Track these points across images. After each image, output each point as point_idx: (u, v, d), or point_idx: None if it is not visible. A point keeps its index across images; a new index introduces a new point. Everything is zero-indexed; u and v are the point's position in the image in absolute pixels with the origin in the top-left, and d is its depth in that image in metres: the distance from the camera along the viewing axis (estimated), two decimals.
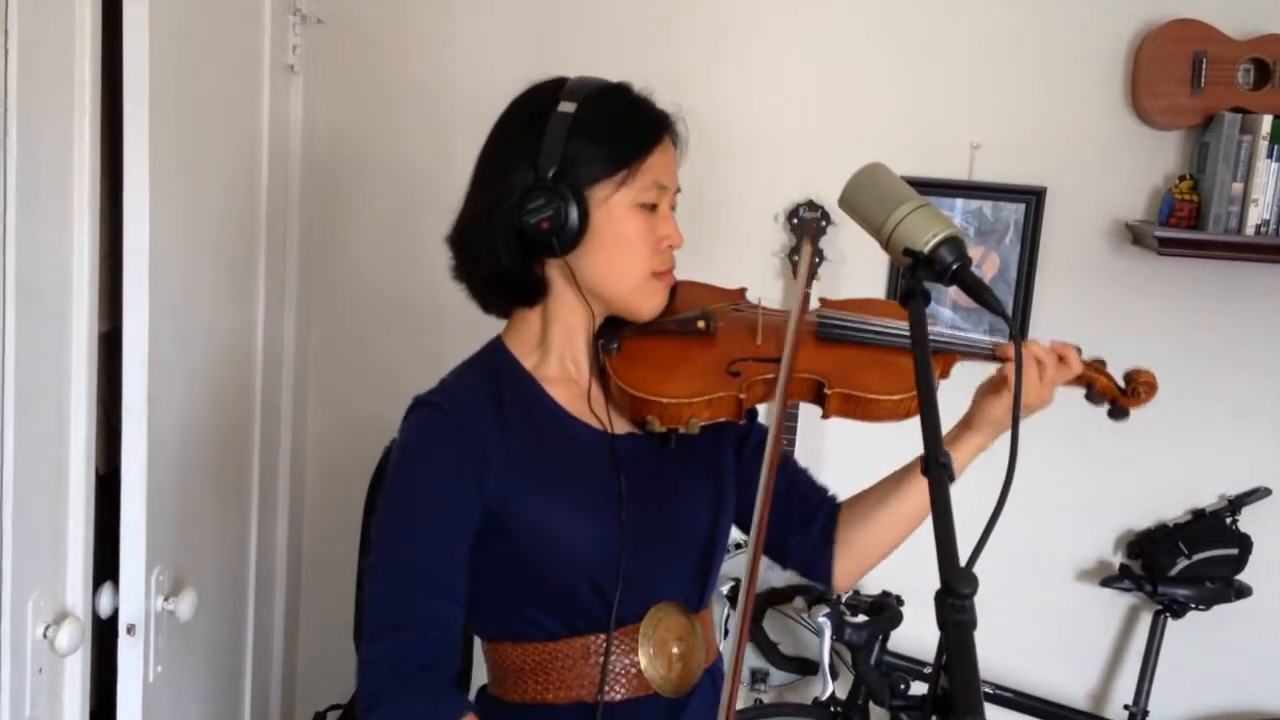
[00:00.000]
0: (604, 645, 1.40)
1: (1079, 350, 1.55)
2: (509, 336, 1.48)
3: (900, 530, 1.56)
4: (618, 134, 1.39)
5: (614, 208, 1.38)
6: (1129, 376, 1.56)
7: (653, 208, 1.41)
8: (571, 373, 1.46)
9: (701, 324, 1.49)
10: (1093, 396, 1.55)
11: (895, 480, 1.55)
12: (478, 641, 1.53)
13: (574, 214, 1.36)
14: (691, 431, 1.42)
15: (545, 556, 1.38)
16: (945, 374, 1.49)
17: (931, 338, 1.46)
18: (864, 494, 1.59)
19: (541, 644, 1.41)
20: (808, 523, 1.58)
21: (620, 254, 1.40)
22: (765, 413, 1.51)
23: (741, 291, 1.61)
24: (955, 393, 1.44)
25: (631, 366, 1.43)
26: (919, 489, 1.50)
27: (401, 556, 1.37)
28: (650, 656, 1.42)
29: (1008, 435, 1.16)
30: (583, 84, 1.41)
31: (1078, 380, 1.52)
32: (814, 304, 1.58)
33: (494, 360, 1.46)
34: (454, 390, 1.43)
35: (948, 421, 1.46)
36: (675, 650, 1.44)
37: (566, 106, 1.37)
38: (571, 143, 1.36)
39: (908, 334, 1.44)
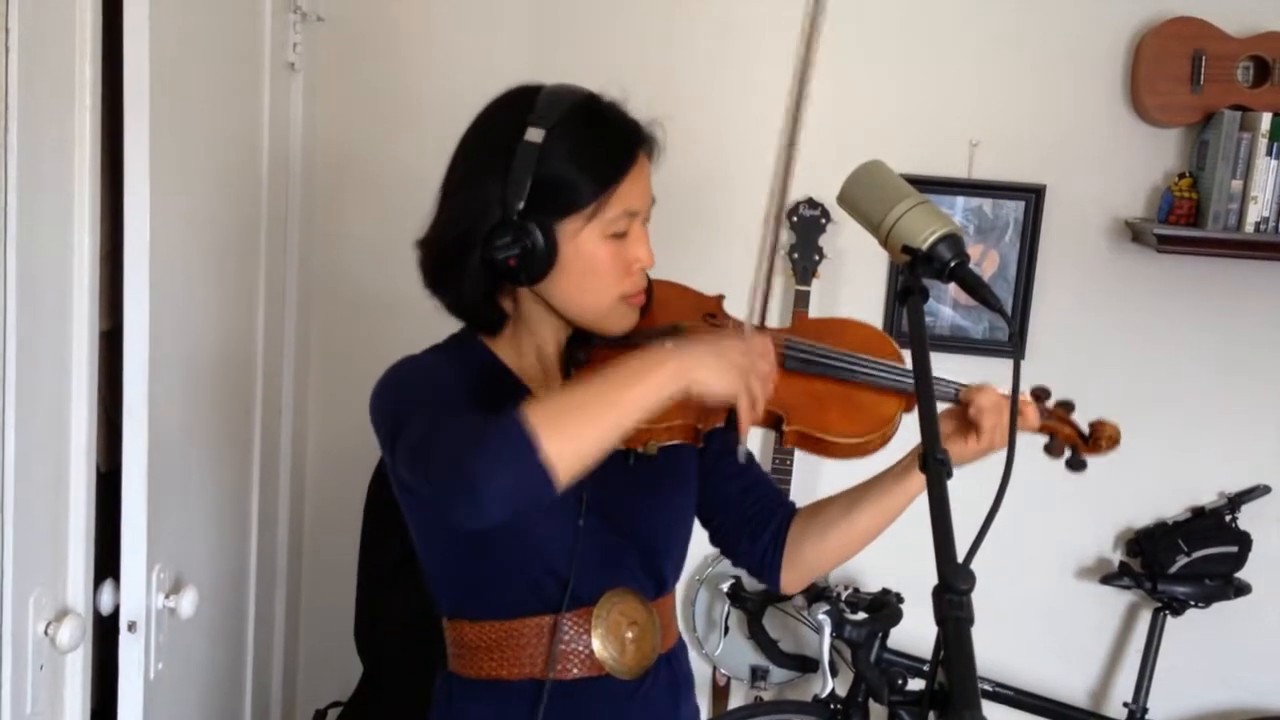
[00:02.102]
0: (554, 624, 1.44)
1: (1048, 392, 1.55)
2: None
3: (850, 545, 1.56)
4: (586, 167, 1.35)
5: (583, 242, 1.37)
6: (1094, 427, 1.54)
7: (623, 234, 1.39)
8: (543, 373, 1.48)
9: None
10: (1052, 448, 1.54)
11: (852, 498, 1.54)
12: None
13: (541, 248, 1.35)
14: (649, 453, 1.41)
15: (505, 542, 1.41)
16: (911, 408, 1.45)
17: (897, 376, 1.47)
18: (820, 507, 1.58)
19: (497, 622, 1.46)
20: (759, 530, 1.59)
21: (589, 283, 1.39)
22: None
23: (720, 299, 1.59)
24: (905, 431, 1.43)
25: None
26: (878, 505, 1.50)
27: (427, 407, 1.33)
28: (603, 638, 1.46)
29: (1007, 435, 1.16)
30: (552, 104, 1.37)
31: (1040, 430, 1.52)
32: (788, 321, 1.57)
33: (464, 349, 1.48)
34: (435, 354, 1.46)
35: (903, 436, 1.47)
36: (629, 634, 1.48)
37: (534, 135, 1.34)
38: (538, 177, 1.34)
39: (878, 370, 1.48)
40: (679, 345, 1.29)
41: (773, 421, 1.43)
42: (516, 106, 1.38)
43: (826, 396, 1.45)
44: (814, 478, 2.66)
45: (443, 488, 1.22)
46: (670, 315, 1.52)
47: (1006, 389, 1.40)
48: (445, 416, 1.28)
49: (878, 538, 1.54)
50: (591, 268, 1.38)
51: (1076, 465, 1.53)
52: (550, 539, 1.43)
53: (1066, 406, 1.56)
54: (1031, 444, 1.50)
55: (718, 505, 1.61)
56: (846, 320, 1.61)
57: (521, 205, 1.34)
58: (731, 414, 1.33)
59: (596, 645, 1.46)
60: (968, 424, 1.45)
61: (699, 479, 1.59)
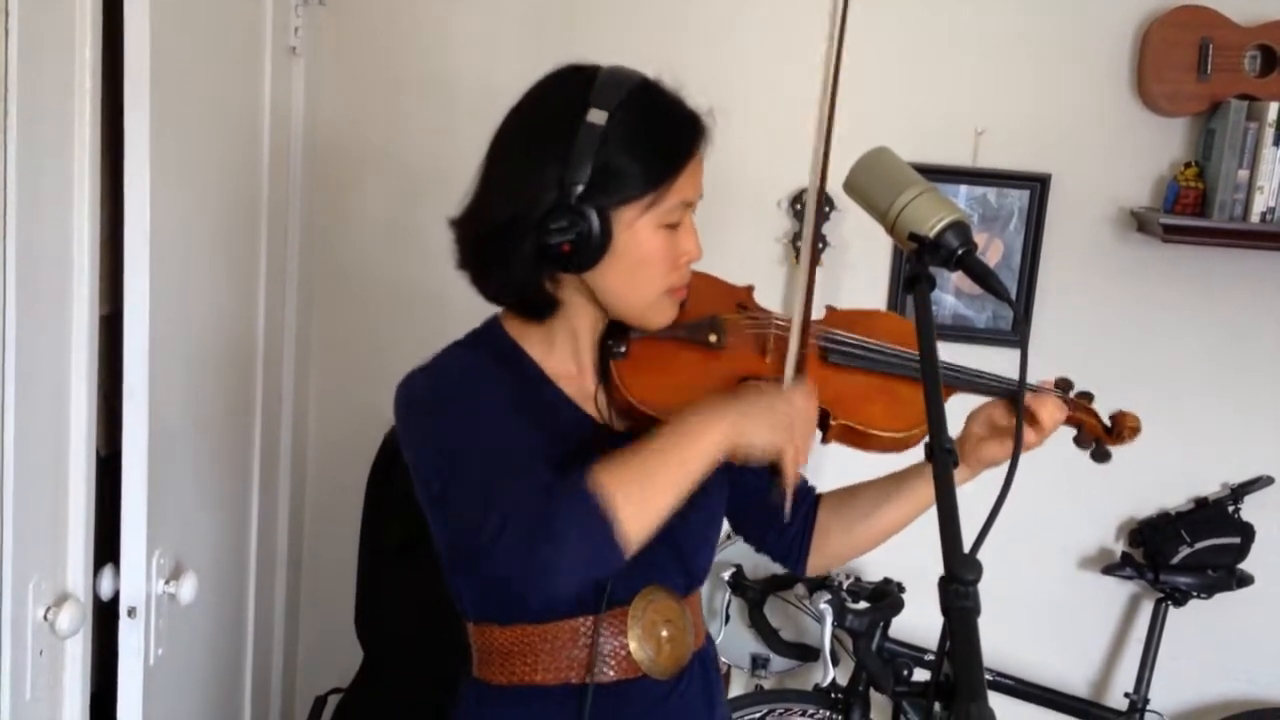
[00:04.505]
0: (592, 627, 1.40)
1: (1071, 384, 1.57)
2: (511, 323, 1.44)
3: (878, 538, 1.58)
4: (649, 155, 1.32)
5: (639, 230, 1.33)
6: (1115, 419, 1.56)
7: (675, 225, 1.36)
8: (577, 368, 1.44)
9: (713, 338, 1.44)
10: (1081, 439, 1.57)
11: (884, 490, 1.55)
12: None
13: (597, 235, 1.31)
14: None
15: None
16: (948, 397, 1.44)
17: (952, 370, 1.48)
18: (849, 497, 1.59)
19: (530, 626, 1.41)
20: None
21: (640, 274, 1.35)
22: None
23: (750, 289, 1.57)
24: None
25: (638, 374, 1.40)
26: (909, 499, 1.52)
27: (481, 464, 1.28)
28: (640, 639, 1.42)
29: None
30: (614, 85, 1.32)
31: (1068, 421, 1.53)
32: (819, 311, 1.54)
33: (495, 344, 1.43)
34: (466, 360, 1.39)
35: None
36: (664, 633, 1.44)
37: (596, 116, 1.29)
38: (600, 161, 1.29)
39: (914, 361, 1.46)
40: (733, 402, 1.31)
41: (818, 418, 1.42)
42: (576, 85, 1.33)
43: (869, 390, 1.45)
44: (818, 456, 2.65)
45: (514, 566, 1.22)
46: (702, 305, 1.49)
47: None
48: (507, 483, 1.25)
49: (905, 528, 1.55)
50: (644, 259, 1.34)
51: (1102, 457, 1.54)
52: None
53: (1087, 398, 1.57)
54: (1058, 437, 1.52)
55: (743, 498, 1.59)
56: (875, 311, 1.61)
57: (580, 190, 1.29)
58: (774, 467, 1.35)
59: (634, 646, 1.42)
60: (1008, 426, 1.47)
61: (730, 483, 1.56)
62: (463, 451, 1.29)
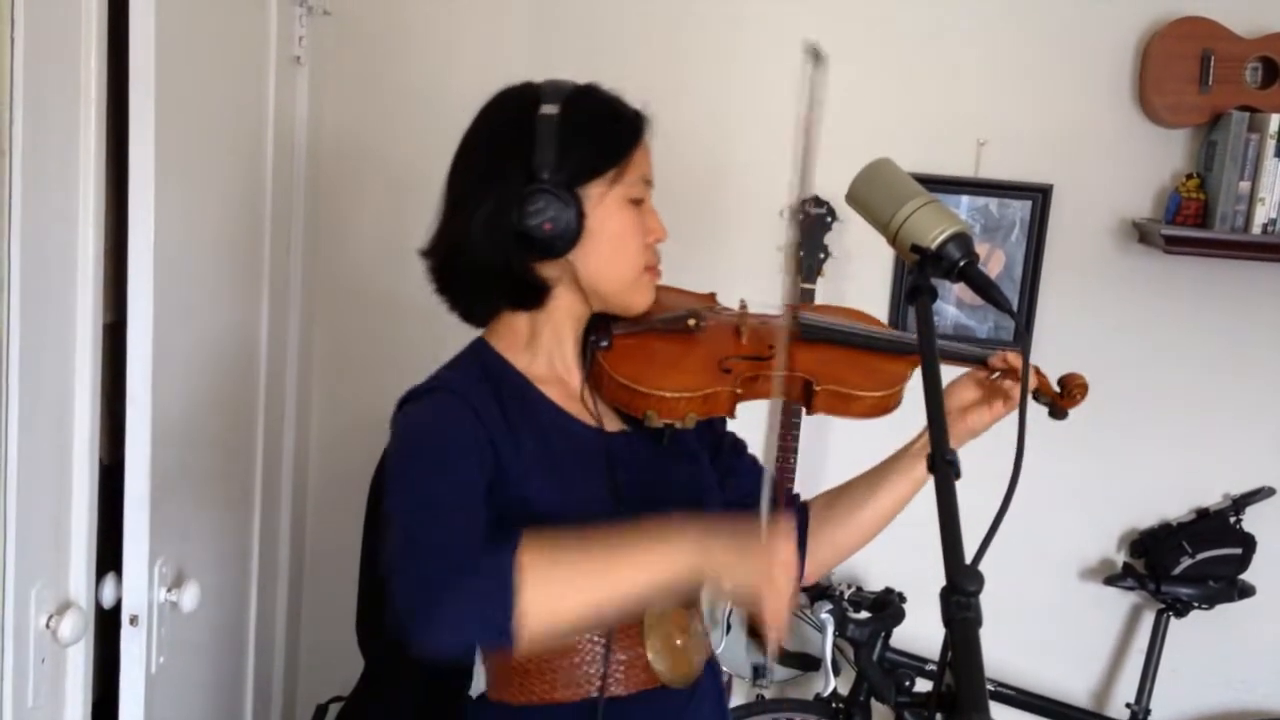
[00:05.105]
0: (605, 640, 1.40)
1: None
2: (495, 338, 1.48)
3: (862, 539, 1.58)
4: (603, 134, 1.40)
5: (608, 205, 1.40)
6: (1062, 381, 1.61)
7: (639, 203, 1.43)
8: (561, 372, 1.47)
9: (692, 322, 1.53)
10: (1037, 397, 1.62)
11: (863, 489, 1.56)
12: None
13: (572, 214, 1.37)
14: (687, 426, 1.45)
15: None
16: (916, 366, 1.54)
17: (898, 339, 1.57)
18: (830, 504, 1.59)
19: None
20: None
21: (617, 250, 1.42)
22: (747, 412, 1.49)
23: (712, 296, 1.66)
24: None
25: (627, 362, 1.46)
26: (888, 494, 1.54)
27: (425, 507, 1.29)
28: (656, 650, 1.43)
29: (1009, 434, 1.16)
30: (556, 87, 1.41)
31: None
32: (782, 311, 1.63)
33: (481, 361, 1.46)
34: (457, 382, 1.41)
35: (901, 421, 1.53)
36: (679, 642, 1.45)
37: (549, 109, 1.37)
38: (562, 143, 1.37)
39: (883, 335, 1.57)
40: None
41: (804, 389, 1.50)
42: (522, 92, 1.42)
43: (845, 360, 1.55)
44: (820, 457, 2.65)
45: (403, 601, 1.19)
46: (673, 308, 1.56)
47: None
48: (442, 524, 1.25)
49: (888, 526, 1.57)
50: (619, 233, 1.41)
51: (1058, 415, 1.60)
52: None
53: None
54: (1043, 423, 1.53)
55: (736, 505, 1.58)
56: (836, 306, 1.73)
57: (548, 173, 1.36)
58: (755, 629, 1.36)
59: (651, 656, 1.42)
60: (991, 389, 1.52)
61: (721, 483, 1.58)
62: (422, 492, 1.30)
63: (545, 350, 1.47)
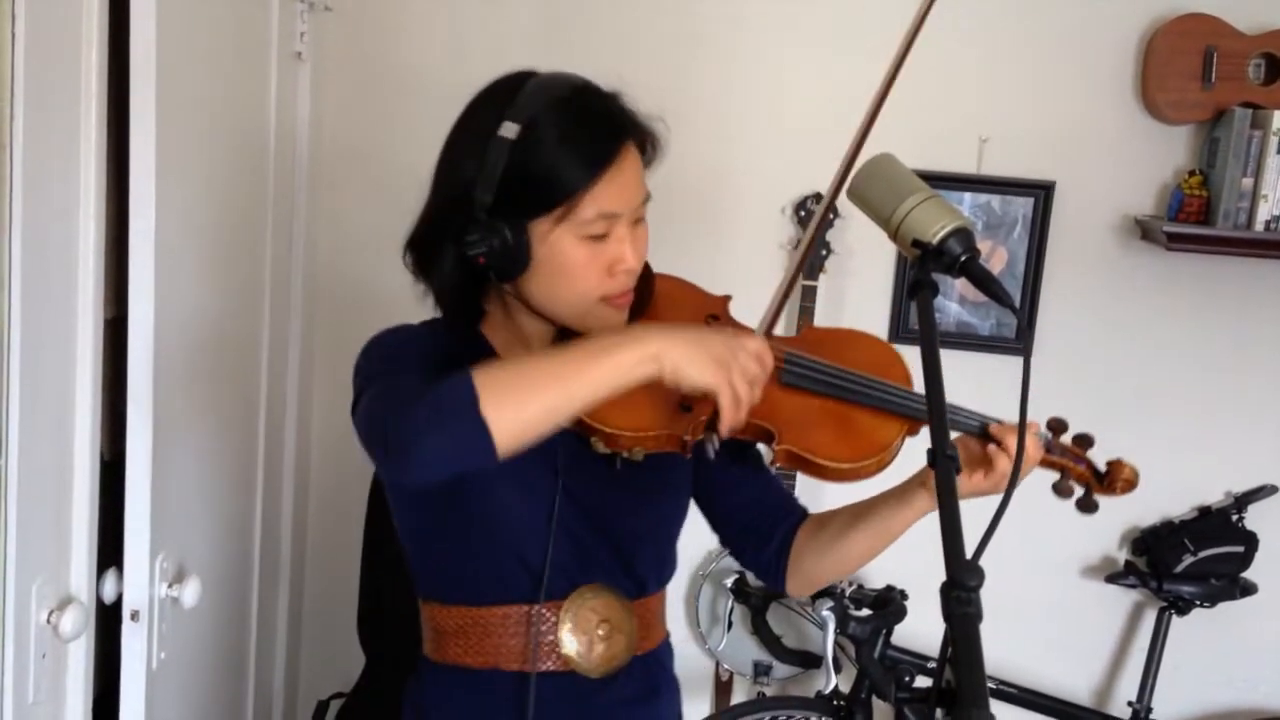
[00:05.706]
0: (526, 616, 1.42)
1: (1065, 425, 1.49)
2: (485, 326, 1.48)
3: (850, 564, 1.55)
4: (557, 168, 1.30)
5: (556, 243, 1.32)
6: (1111, 465, 1.47)
7: (601, 237, 1.33)
8: None
9: (646, 328, 1.37)
10: (1060, 487, 1.48)
11: (851, 518, 1.51)
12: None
13: (511, 247, 1.31)
14: (635, 459, 1.36)
15: (475, 525, 1.40)
16: (915, 432, 1.42)
17: (901, 398, 1.42)
18: (823, 523, 1.56)
19: (467, 608, 1.44)
20: (764, 541, 1.58)
21: (561, 285, 1.34)
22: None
23: (726, 299, 1.54)
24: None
25: None
26: (877, 528, 1.48)
27: (389, 374, 1.33)
28: (570, 633, 1.44)
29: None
30: (535, 96, 1.32)
31: (1044, 464, 1.48)
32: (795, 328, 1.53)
33: (460, 329, 1.46)
34: (424, 327, 1.46)
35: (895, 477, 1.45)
36: (599, 631, 1.45)
37: (508, 131, 1.30)
38: (507, 175, 1.30)
39: (881, 391, 1.42)
40: (659, 329, 1.25)
41: (763, 436, 1.38)
42: (498, 97, 1.35)
43: (822, 416, 1.40)
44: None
45: (382, 441, 1.22)
46: (673, 312, 1.47)
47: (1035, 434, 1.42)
48: (406, 377, 1.27)
49: (876, 558, 1.52)
50: (564, 269, 1.33)
51: (1088, 507, 1.48)
52: (522, 528, 1.41)
53: (1084, 442, 1.50)
54: (1040, 478, 1.46)
55: (723, 516, 1.60)
56: (858, 334, 1.54)
57: (490, 202, 1.31)
58: (714, 414, 1.27)
59: (564, 639, 1.44)
60: (981, 458, 1.42)
61: (706, 490, 1.57)
62: (388, 369, 1.35)
63: (521, 339, 1.46)
